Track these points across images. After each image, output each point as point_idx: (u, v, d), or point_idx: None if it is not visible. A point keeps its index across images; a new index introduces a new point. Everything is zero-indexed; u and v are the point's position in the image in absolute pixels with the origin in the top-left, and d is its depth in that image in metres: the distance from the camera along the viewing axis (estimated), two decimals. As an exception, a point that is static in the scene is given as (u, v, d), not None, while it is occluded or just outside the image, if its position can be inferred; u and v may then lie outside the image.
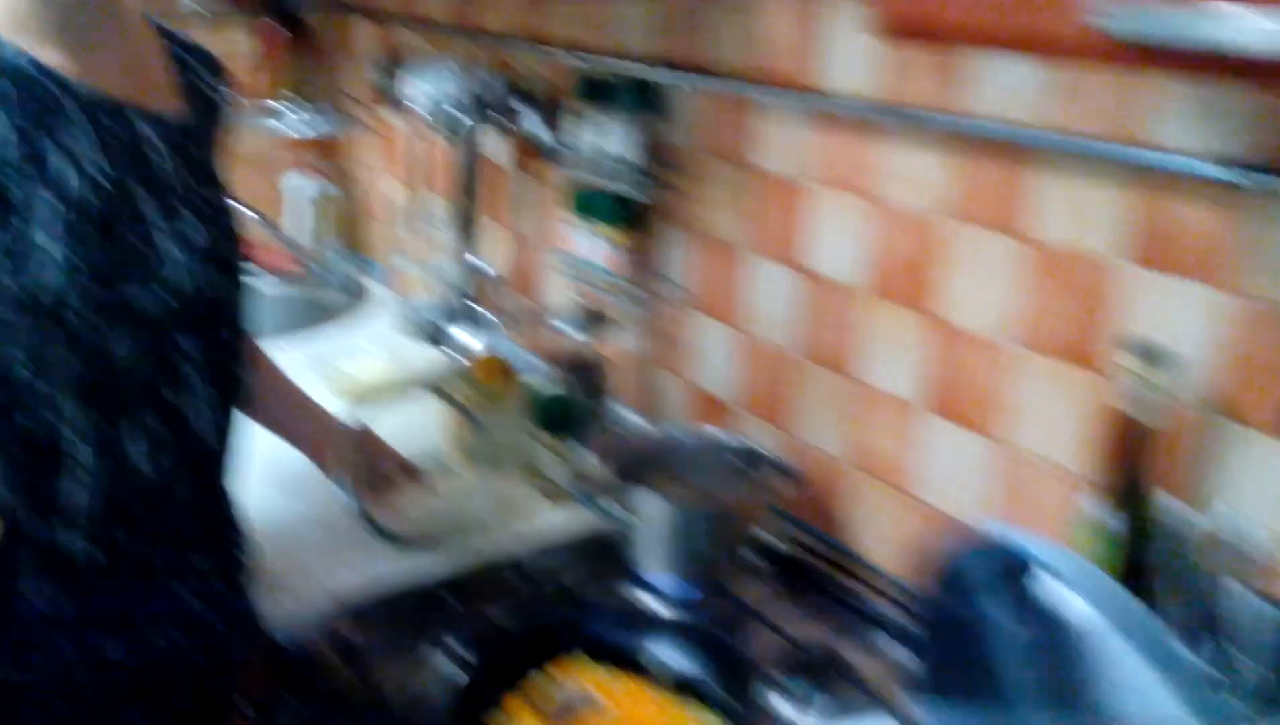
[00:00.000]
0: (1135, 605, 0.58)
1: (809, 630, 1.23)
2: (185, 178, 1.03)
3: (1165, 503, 0.83)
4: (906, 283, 1.21)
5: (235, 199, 1.13)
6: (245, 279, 1.11)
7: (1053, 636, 0.58)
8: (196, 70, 1.11)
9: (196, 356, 1.05)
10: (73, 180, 0.94)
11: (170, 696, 1.09)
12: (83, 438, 0.98)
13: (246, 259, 1.12)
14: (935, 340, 1.20)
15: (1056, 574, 0.62)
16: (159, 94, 1.04)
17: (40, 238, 0.92)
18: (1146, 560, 0.87)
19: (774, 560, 1.35)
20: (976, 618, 0.62)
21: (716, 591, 1.29)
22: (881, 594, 1.26)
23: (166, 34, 1.10)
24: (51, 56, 0.95)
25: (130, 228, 0.98)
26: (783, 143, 1.34)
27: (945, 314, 1.18)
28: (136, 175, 0.99)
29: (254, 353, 1.24)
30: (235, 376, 1.13)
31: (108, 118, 0.97)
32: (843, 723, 0.76)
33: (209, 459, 1.11)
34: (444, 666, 1.13)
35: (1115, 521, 0.90)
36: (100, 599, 1.02)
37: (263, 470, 1.45)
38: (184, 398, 1.05)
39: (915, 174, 1.18)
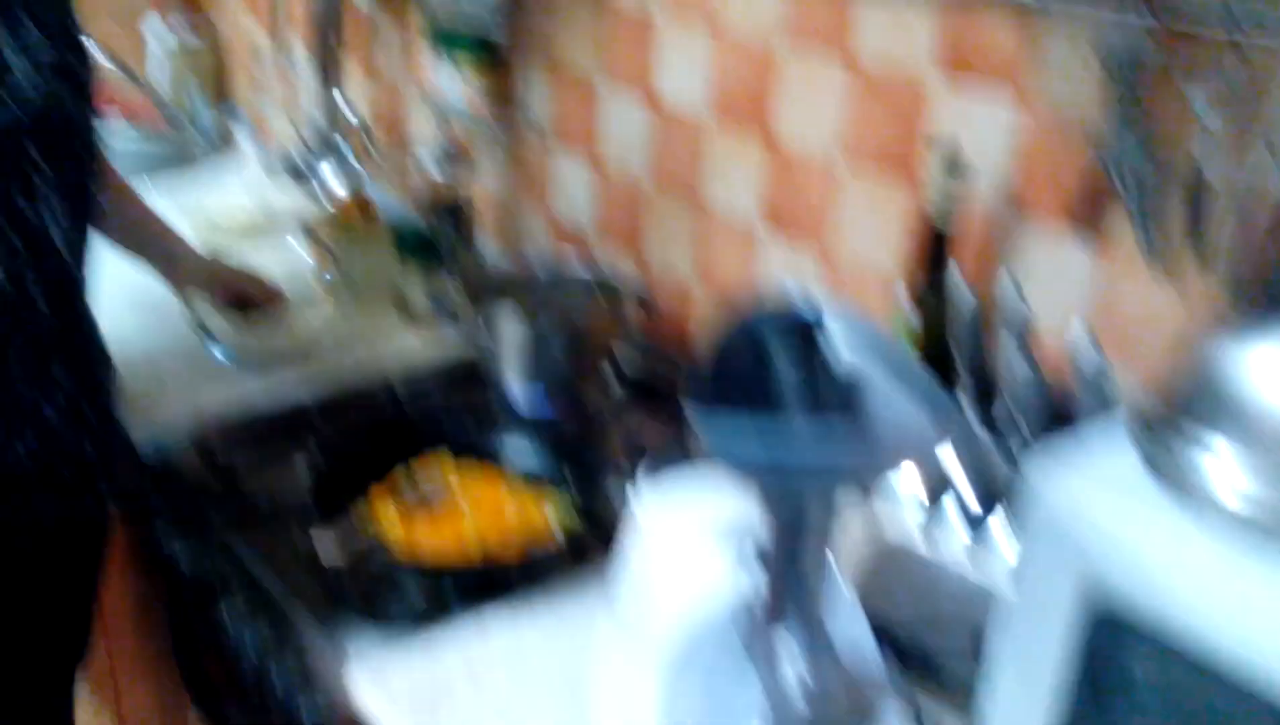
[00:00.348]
0: (905, 353, 0.67)
1: (658, 435, 1.32)
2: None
3: (964, 289, 0.93)
4: (746, 108, 1.28)
5: (87, 33, 1.12)
6: (96, 104, 1.11)
7: (826, 377, 0.67)
8: None
9: (48, 170, 1.05)
10: None
11: (35, 505, 1.12)
12: None
13: (95, 85, 1.11)
14: (772, 163, 1.27)
15: (839, 331, 0.70)
16: None
17: None
18: (948, 340, 0.97)
19: (628, 382, 1.43)
20: (758, 361, 0.69)
21: (572, 408, 1.37)
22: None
23: None
24: None
25: None
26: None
27: (780, 137, 1.25)
28: None
29: (108, 175, 1.24)
30: (89, 193, 1.13)
31: None
32: (668, 484, 0.85)
33: (65, 274, 1.12)
34: (308, 472, 1.19)
35: (921, 310, 1.00)
36: None
37: (127, 294, 1.47)
38: (40, 210, 1.06)
39: (752, 1, 1.24)
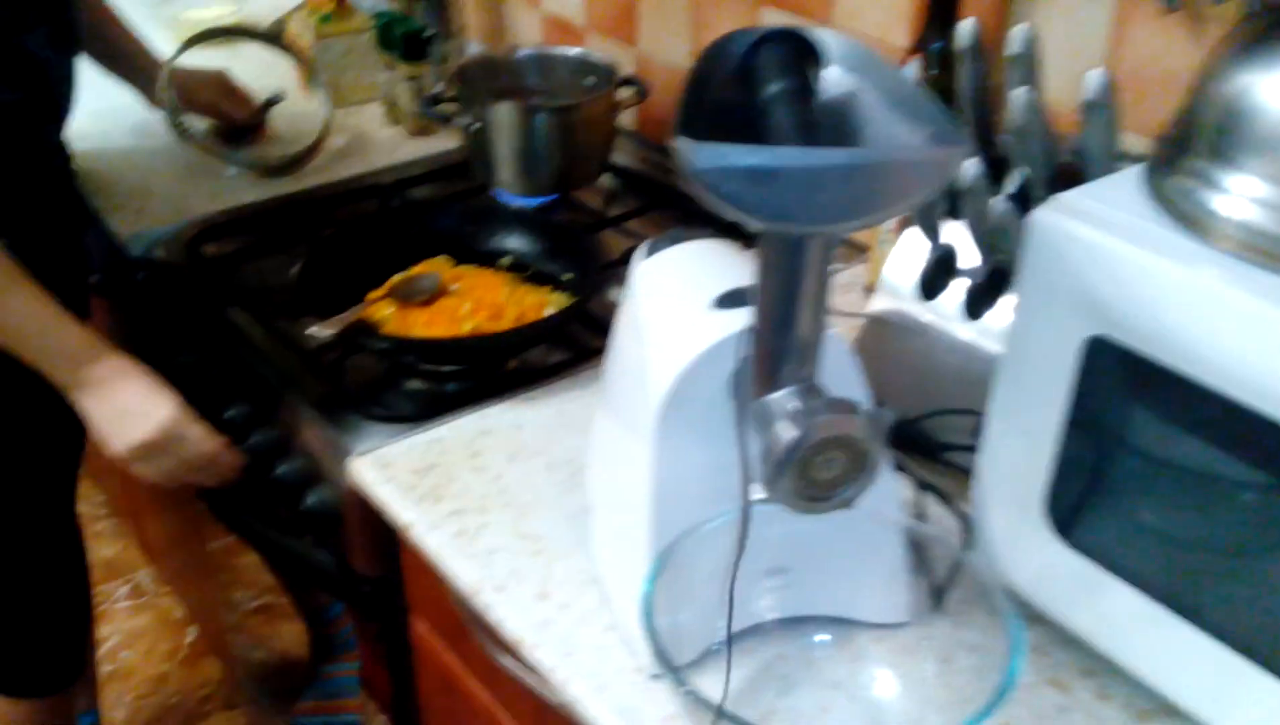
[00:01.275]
0: (898, 73, 0.63)
1: (654, 229, 1.29)
2: None
3: (974, 39, 0.87)
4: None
5: None
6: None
7: (818, 106, 0.63)
8: None
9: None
10: None
11: None
12: None
13: None
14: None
15: (834, 50, 0.66)
16: None
17: None
18: (956, 91, 0.92)
19: (626, 175, 1.39)
20: (751, 92, 0.65)
21: (567, 202, 1.33)
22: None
23: None
24: None
25: None
26: None
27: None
28: None
29: None
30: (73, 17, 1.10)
31: None
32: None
33: (50, 96, 1.09)
34: (301, 270, 1.17)
35: (930, 80, 0.95)
36: None
37: (111, 105, 1.43)
38: (36, 44, 1.03)
39: None
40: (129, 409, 0.96)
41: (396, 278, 1.11)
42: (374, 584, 1.04)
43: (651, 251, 0.84)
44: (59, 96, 1.10)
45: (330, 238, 1.15)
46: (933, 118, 0.59)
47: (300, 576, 1.22)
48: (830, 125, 0.64)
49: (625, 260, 1.18)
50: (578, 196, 1.34)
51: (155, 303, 1.25)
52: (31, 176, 1.09)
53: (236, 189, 1.37)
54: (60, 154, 1.15)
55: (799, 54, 0.67)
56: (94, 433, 0.97)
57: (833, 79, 0.66)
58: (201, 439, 0.99)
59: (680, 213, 1.33)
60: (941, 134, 0.58)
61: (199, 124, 1.42)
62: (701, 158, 0.55)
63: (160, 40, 1.71)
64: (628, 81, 1.35)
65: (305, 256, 1.10)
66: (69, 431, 1.19)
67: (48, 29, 1.05)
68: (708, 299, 0.76)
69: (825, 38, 0.66)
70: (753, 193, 0.55)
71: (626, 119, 1.39)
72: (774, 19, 1.22)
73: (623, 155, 1.40)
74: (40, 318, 0.94)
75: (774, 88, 0.66)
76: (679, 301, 0.77)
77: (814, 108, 0.66)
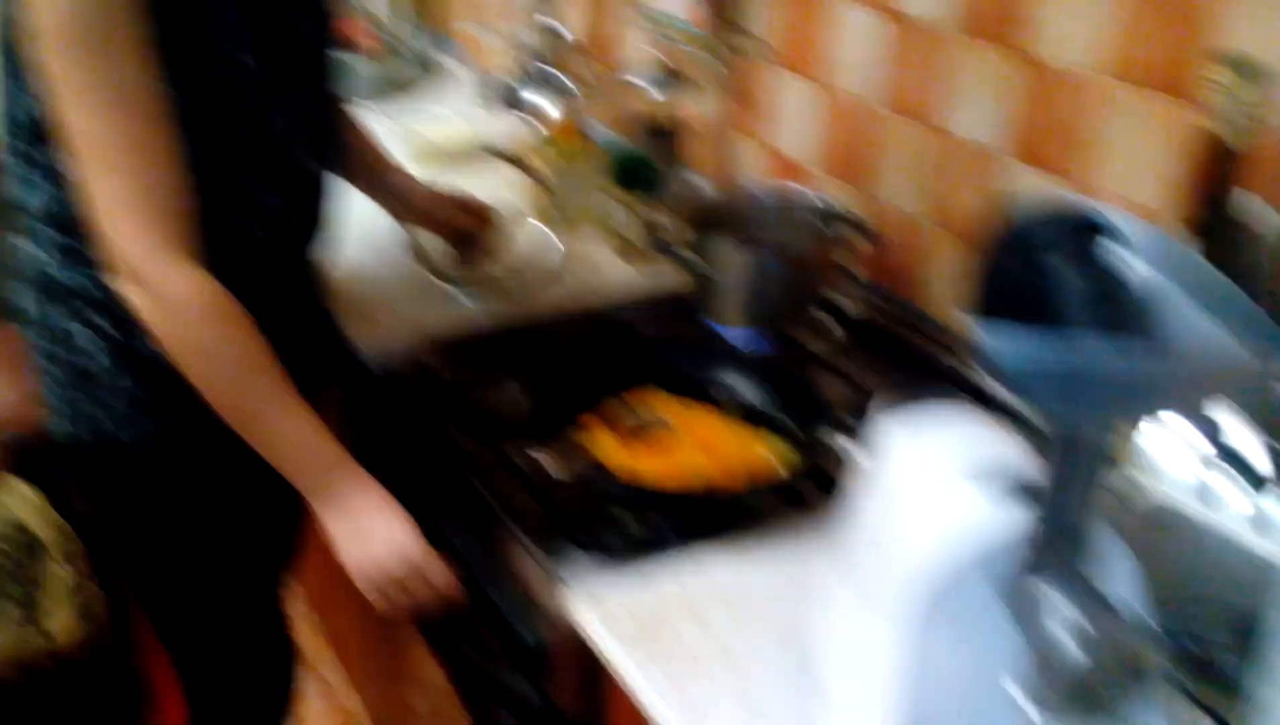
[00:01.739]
0: (1204, 265, 0.58)
1: (880, 384, 1.26)
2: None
3: (1250, 209, 0.81)
4: (994, 16, 1.17)
5: None
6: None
7: (1114, 290, 0.59)
8: None
9: (309, 115, 1.10)
10: None
11: None
12: (233, 198, 1.02)
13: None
14: (1022, 79, 1.16)
15: (1126, 238, 0.62)
16: None
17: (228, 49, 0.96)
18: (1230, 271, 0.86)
19: (846, 321, 1.37)
20: (1038, 269, 0.62)
21: (788, 344, 1.32)
22: (958, 355, 1.27)
23: None
24: None
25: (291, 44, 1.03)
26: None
27: (1034, 49, 1.14)
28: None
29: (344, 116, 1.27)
30: (336, 135, 1.18)
31: None
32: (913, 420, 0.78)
33: (312, 219, 1.16)
34: (524, 394, 1.19)
35: (1202, 243, 0.89)
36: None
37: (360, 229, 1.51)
38: (302, 158, 1.10)
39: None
40: (370, 530, 0.98)
41: (615, 405, 1.12)
42: (576, 722, 1.01)
43: (896, 414, 0.81)
44: (318, 208, 1.16)
45: (553, 360, 1.16)
46: (1244, 313, 0.54)
47: (496, 702, 1.21)
48: (1123, 312, 0.60)
49: (848, 408, 1.16)
50: (798, 337, 1.32)
51: (384, 415, 1.29)
52: (287, 287, 1.15)
53: (468, 309, 1.41)
54: (314, 266, 1.21)
55: (1089, 234, 0.64)
56: (331, 544, 0.99)
57: (1126, 261, 0.63)
58: (435, 573, 1.00)
59: (903, 360, 1.29)
60: (1257, 332, 0.53)
61: (434, 242, 1.48)
62: (1003, 347, 0.52)
63: (397, 157, 1.83)
64: (858, 226, 1.33)
65: (529, 377, 1.12)
66: (290, 520, 1.23)
67: (310, 139, 1.10)
68: (966, 474, 0.71)
69: (1116, 219, 0.63)
70: (1057, 392, 0.52)
71: (852, 259, 1.37)
72: (1029, 178, 1.18)
73: (846, 297, 1.38)
74: (302, 431, 0.98)
75: (1062, 266, 0.63)
76: (936, 475, 0.73)
77: (1105, 292, 0.62)
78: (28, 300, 1.09)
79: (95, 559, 1.85)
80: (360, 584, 1.00)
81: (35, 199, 1.00)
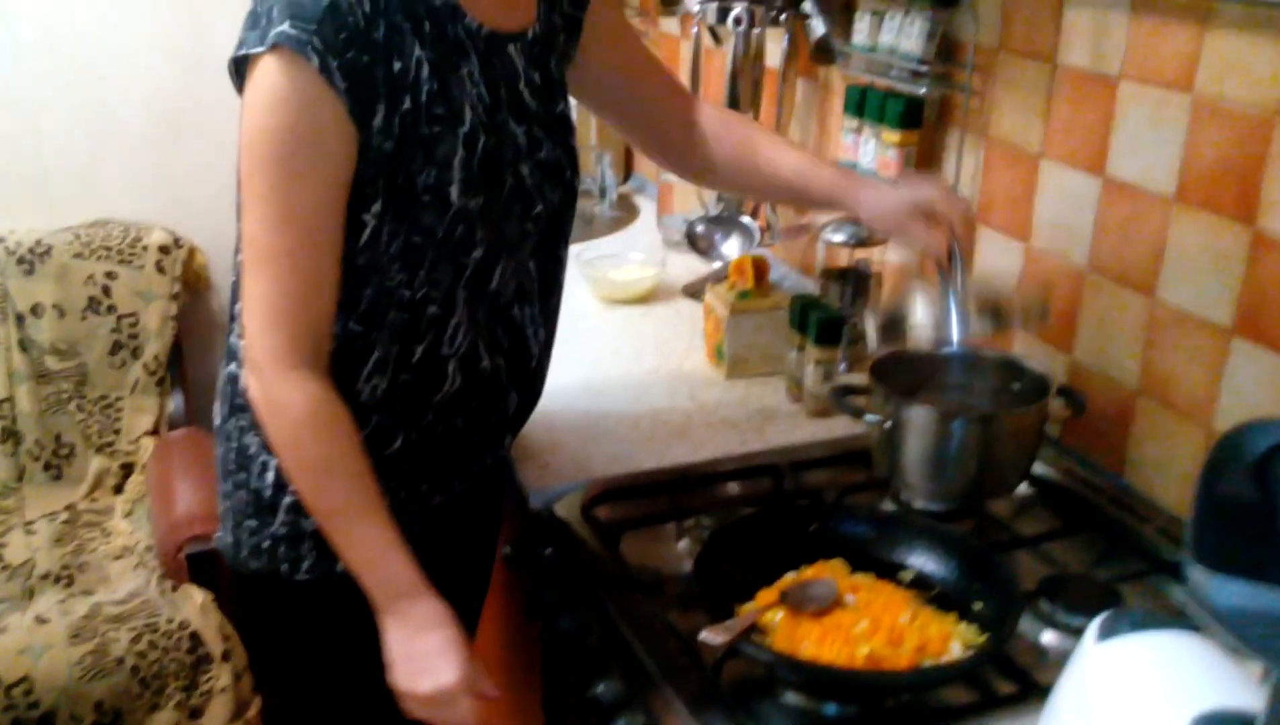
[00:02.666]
0: None
1: (1078, 563, 1.14)
2: (541, 96, 1.08)
3: None
4: (1230, 191, 1.08)
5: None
6: (577, 187, 1.16)
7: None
8: None
9: (537, 274, 1.15)
10: (467, 118, 1.00)
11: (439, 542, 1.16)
12: (449, 345, 1.08)
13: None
14: (1257, 255, 1.06)
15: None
16: (522, 9, 1.06)
17: (442, 179, 0.99)
18: None
19: (1047, 490, 1.26)
20: (1266, 491, 0.54)
21: (980, 514, 1.22)
22: (1170, 538, 1.15)
23: None
24: None
25: (509, 166, 1.05)
26: (1094, 34, 1.22)
27: (1271, 226, 1.04)
28: (511, 108, 1.05)
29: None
30: (560, 286, 1.20)
31: (488, 49, 1.02)
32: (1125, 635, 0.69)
33: (530, 361, 1.19)
34: (695, 552, 1.14)
35: None
36: (430, 454, 1.14)
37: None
38: (525, 311, 1.15)
39: (1249, 66, 1.05)
40: (422, 658, 1.01)
41: (789, 579, 1.04)
42: None
43: (1109, 632, 0.71)
44: (524, 366, 1.19)
45: (727, 528, 1.10)
46: None
47: None
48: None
49: (1047, 593, 1.05)
50: (990, 507, 1.22)
51: (544, 562, 1.25)
52: (472, 428, 1.17)
53: (636, 453, 1.38)
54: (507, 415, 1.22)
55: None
56: (386, 656, 1.03)
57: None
58: (464, 715, 1.02)
59: (1105, 538, 1.17)
60: None
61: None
62: (1226, 598, 0.45)
63: (587, 297, 1.85)
64: (1062, 391, 1.23)
65: (702, 545, 1.06)
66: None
67: (522, 292, 1.15)
68: (1187, 713, 0.61)
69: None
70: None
71: (1055, 427, 1.27)
72: (1245, 351, 1.08)
73: (1045, 464, 1.27)
74: (381, 545, 1.01)
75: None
76: (1153, 711, 0.63)
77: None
78: (218, 406, 1.15)
79: (255, 663, 1.88)
80: (403, 705, 1.03)
81: (237, 306, 1.07)
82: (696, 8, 1.72)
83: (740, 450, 1.39)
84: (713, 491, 1.29)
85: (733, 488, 1.30)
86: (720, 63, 1.76)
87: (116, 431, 2.32)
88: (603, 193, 2.30)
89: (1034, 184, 1.33)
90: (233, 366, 1.11)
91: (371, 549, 1.01)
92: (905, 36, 1.42)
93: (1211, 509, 0.57)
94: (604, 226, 2.22)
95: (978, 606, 1.01)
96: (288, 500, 1.10)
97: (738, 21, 1.62)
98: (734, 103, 1.69)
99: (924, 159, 1.48)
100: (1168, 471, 1.19)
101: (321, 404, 0.99)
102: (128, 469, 2.31)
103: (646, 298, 1.86)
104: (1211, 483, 0.60)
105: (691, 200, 1.92)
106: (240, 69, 0.96)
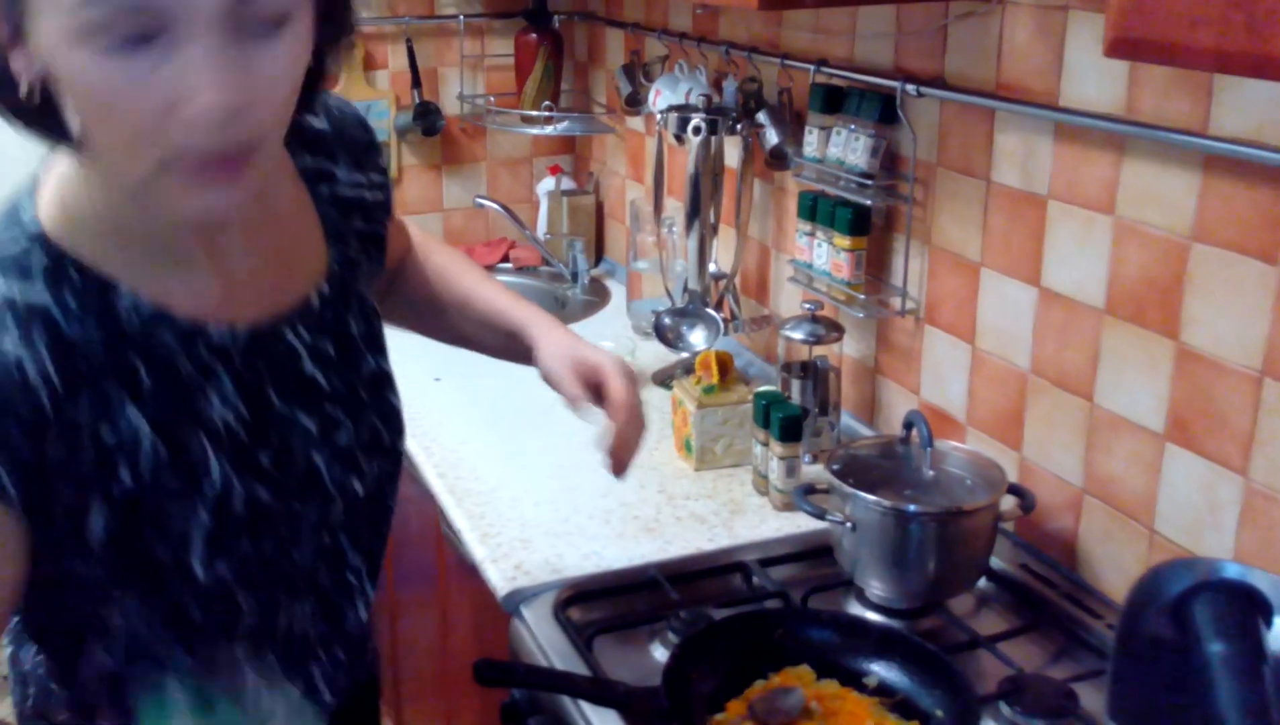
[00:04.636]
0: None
1: (1035, 661, 1.20)
2: (338, 367, 0.91)
3: None
4: (1152, 307, 1.16)
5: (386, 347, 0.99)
6: (402, 449, 1.00)
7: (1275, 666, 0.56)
8: (346, 185, 0.95)
9: (357, 552, 0.96)
10: (214, 469, 0.82)
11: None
12: (247, 617, 0.87)
13: (400, 431, 0.99)
14: (1181, 367, 1.14)
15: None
16: (304, 271, 0.90)
17: (214, 476, 0.82)
18: None
19: (1005, 584, 1.32)
20: (1202, 659, 0.60)
21: (938, 609, 1.28)
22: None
23: (307, 144, 0.91)
24: (185, 299, 0.80)
25: (293, 459, 0.87)
26: (1023, 157, 1.30)
27: (1193, 341, 1.12)
28: (294, 397, 0.88)
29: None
30: (382, 555, 1.03)
31: (249, 350, 0.84)
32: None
33: (355, 627, 1.00)
34: (664, 659, 1.19)
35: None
36: None
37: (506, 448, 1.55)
38: (340, 588, 0.96)
39: (1163, 195, 1.13)
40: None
41: (758, 689, 1.10)
42: None
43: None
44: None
45: (695, 637, 1.16)
46: None
47: None
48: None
49: (1003, 694, 1.11)
50: (950, 604, 1.29)
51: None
52: None
53: (607, 550, 1.43)
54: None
55: (1244, 605, 0.61)
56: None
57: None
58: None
59: (1062, 634, 1.23)
60: None
61: None
62: None
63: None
64: (1012, 489, 1.30)
65: (671, 655, 1.12)
66: None
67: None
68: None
69: (1270, 586, 0.60)
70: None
71: (1009, 524, 1.33)
72: (1178, 456, 1.15)
73: (1001, 560, 1.34)
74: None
75: (1215, 647, 0.60)
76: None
77: (1263, 671, 0.58)
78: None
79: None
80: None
81: None
82: (659, 116, 1.80)
83: (710, 547, 1.44)
84: (684, 591, 1.34)
85: (703, 586, 1.36)
86: (684, 160, 1.83)
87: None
88: (575, 277, 2.37)
89: (976, 290, 1.41)
90: None
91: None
92: (851, 150, 1.50)
93: (1130, 655, 0.62)
94: (577, 310, 2.29)
95: (939, 714, 1.07)
96: None
97: (697, 130, 1.70)
98: (696, 200, 1.77)
99: (874, 263, 1.55)
100: (1115, 566, 1.25)
101: None
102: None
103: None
104: (1131, 623, 0.64)
105: (659, 288, 1.99)
106: None
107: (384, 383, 0.96)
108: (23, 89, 0.68)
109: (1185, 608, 0.64)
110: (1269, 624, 0.58)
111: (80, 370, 0.75)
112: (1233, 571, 0.59)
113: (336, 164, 0.94)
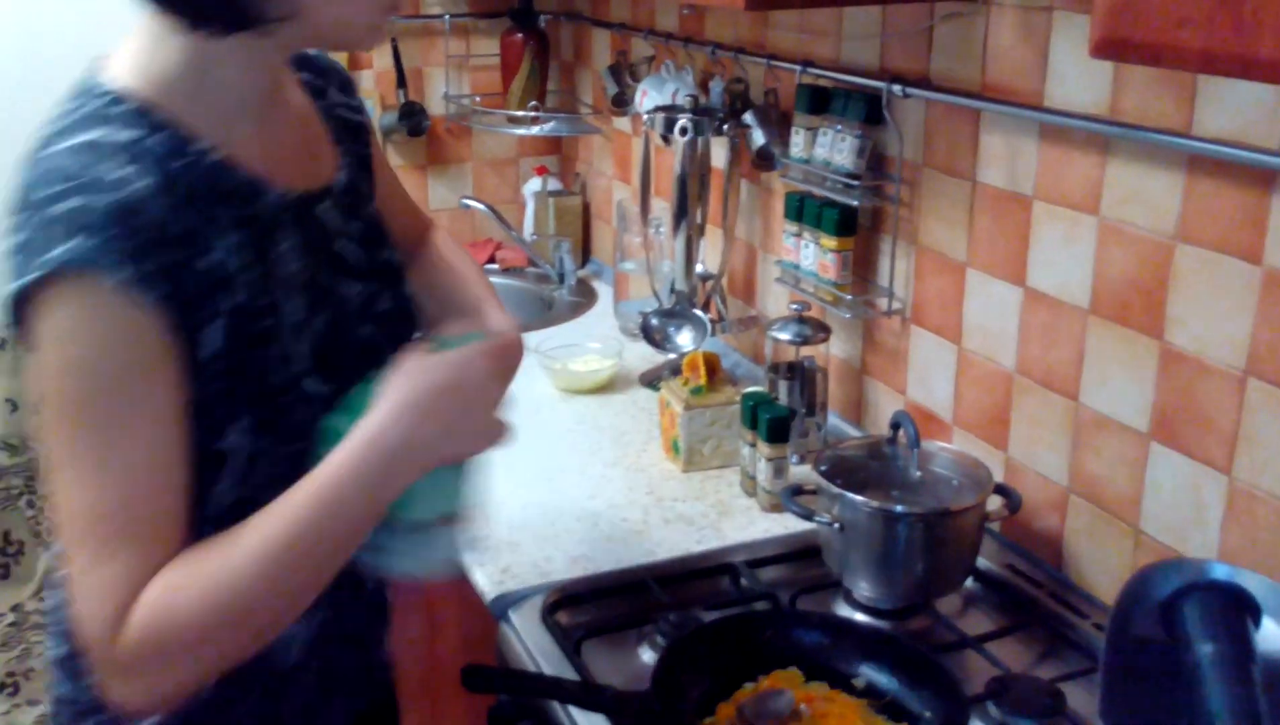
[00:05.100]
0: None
1: (1022, 661, 1.20)
2: (365, 245, 0.98)
3: None
4: (1137, 307, 1.16)
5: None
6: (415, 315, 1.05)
7: (1266, 666, 0.56)
8: (337, 104, 1.03)
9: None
10: (299, 300, 0.89)
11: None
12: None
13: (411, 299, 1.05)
14: (1166, 367, 1.14)
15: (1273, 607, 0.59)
16: (324, 161, 0.98)
17: (294, 373, 0.88)
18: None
19: (991, 584, 1.33)
20: (1192, 660, 0.60)
21: (925, 609, 1.28)
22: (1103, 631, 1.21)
23: (301, 65, 1.01)
24: (247, 154, 0.88)
25: (351, 333, 0.94)
26: (1008, 158, 1.30)
27: (1177, 340, 1.12)
28: (336, 268, 0.95)
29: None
30: None
31: (298, 215, 0.91)
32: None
33: None
34: (652, 662, 1.19)
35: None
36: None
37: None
38: None
39: (1148, 195, 1.13)
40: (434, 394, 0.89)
41: (747, 691, 1.10)
42: None
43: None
44: None
45: (684, 640, 1.16)
46: None
47: None
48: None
49: (991, 694, 1.11)
50: (938, 604, 1.29)
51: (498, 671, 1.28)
52: None
53: (596, 554, 1.42)
54: None
55: (1233, 606, 0.61)
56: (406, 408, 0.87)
57: (1272, 636, 0.60)
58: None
59: (1048, 633, 1.24)
60: None
61: None
62: None
63: (546, 387, 1.90)
64: (998, 489, 1.30)
65: (660, 658, 1.11)
66: None
67: None
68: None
69: (1258, 587, 0.60)
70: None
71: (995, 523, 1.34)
72: (1162, 455, 1.15)
73: (988, 559, 1.34)
74: (334, 472, 0.83)
75: (1205, 648, 0.60)
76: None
77: (1252, 672, 0.59)
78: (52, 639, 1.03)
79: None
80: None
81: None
82: (645, 117, 1.80)
83: (698, 548, 1.44)
84: (672, 593, 1.34)
85: (691, 589, 1.35)
86: (671, 160, 1.83)
87: (71, 529, 2.30)
88: (561, 278, 2.36)
89: (962, 290, 1.41)
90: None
91: (337, 480, 0.82)
92: (837, 151, 1.50)
93: (1121, 656, 0.62)
94: (564, 311, 2.29)
95: (928, 715, 1.07)
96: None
97: (683, 131, 1.69)
98: (683, 200, 1.77)
99: (860, 264, 1.55)
100: (1101, 566, 1.26)
101: (166, 595, 0.78)
102: (82, 567, 2.29)
103: (604, 388, 1.91)
104: (1121, 625, 0.65)
105: (645, 289, 1.99)
106: (18, 309, 0.78)
107: (400, 274, 1.03)
108: None
109: (1174, 609, 0.65)
110: (1258, 624, 0.58)
111: (180, 198, 0.81)
112: (1221, 572, 0.59)
113: (329, 84, 1.03)
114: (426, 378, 0.86)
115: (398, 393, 0.85)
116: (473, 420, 0.89)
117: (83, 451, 0.78)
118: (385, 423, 0.83)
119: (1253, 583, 0.59)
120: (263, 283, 0.86)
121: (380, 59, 2.37)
